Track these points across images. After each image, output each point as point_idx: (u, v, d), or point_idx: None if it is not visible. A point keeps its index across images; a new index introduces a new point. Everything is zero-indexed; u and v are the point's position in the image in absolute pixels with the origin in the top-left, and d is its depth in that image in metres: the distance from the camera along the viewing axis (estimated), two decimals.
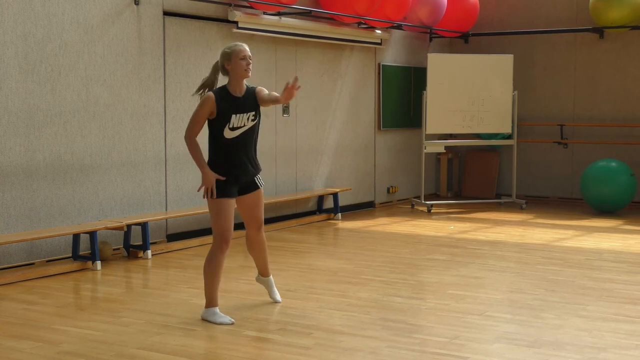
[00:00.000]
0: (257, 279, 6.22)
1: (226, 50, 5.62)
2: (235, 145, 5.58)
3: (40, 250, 7.50)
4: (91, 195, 7.92)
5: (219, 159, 5.59)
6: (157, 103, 8.55)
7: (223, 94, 5.57)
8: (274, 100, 5.62)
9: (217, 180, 5.55)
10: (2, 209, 7.17)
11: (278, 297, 6.15)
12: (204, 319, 5.62)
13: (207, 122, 5.61)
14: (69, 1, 7.62)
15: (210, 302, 5.64)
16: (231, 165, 5.59)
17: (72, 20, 7.67)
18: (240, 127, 5.57)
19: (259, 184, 5.78)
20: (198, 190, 5.59)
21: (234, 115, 5.54)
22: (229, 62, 5.58)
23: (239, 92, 5.61)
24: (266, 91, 5.72)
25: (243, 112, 5.58)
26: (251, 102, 5.63)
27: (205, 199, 5.59)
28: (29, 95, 7.33)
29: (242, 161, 5.62)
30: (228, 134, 5.55)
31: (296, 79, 5.45)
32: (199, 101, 5.63)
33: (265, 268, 6.10)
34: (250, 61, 5.60)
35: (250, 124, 5.61)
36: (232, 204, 5.62)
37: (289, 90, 5.45)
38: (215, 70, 5.71)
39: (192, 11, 8.91)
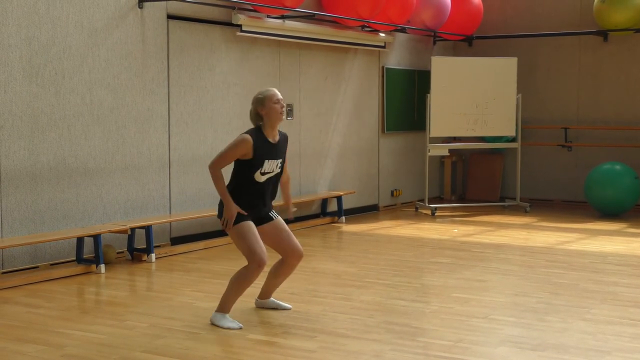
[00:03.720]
0: (258, 303, 6.11)
1: (258, 96, 5.65)
2: (260, 189, 5.63)
3: (44, 254, 7.50)
4: (95, 198, 7.93)
5: (241, 196, 5.59)
6: (161, 106, 8.55)
7: (260, 138, 5.58)
8: (281, 184, 5.88)
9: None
10: (6, 212, 7.18)
11: (287, 305, 6.11)
12: (213, 322, 5.62)
13: (237, 160, 5.60)
14: (73, 5, 7.63)
15: (224, 309, 5.64)
16: (251, 203, 5.62)
17: (76, 24, 7.68)
18: (269, 173, 5.63)
19: (273, 217, 5.81)
20: (222, 224, 5.56)
21: (266, 161, 5.59)
22: (263, 107, 5.60)
23: (273, 138, 5.66)
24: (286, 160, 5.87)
25: (275, 159, 5.64)
26: (282, 149, 5.71)
27: (224, 229, 5.58)
28: (33, 99, 7.34)
29: (261, 202, 5.68)
30: (259, 178, 5.59)
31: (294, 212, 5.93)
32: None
33: (274, 291, 6.08)
34: (284, 104, 5.65)
35: (277, 170, 5.68)
36: (253, 226, 5.62)
37: (287, 204, 5.90)
38: (252, 119, 5.71)
39: (196, 15, 8.92)
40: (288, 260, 5.85)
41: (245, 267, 5.60)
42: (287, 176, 5.97)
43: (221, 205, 5.61)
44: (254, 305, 6.10)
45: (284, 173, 5.86)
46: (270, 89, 5.70)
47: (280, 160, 5.68)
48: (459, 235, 9.74)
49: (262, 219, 5.75)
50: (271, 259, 5.74)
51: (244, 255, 5.61)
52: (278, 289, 6.16)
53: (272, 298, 6.10)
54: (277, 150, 5.66)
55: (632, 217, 11.24)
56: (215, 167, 5.55)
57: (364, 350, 5.04)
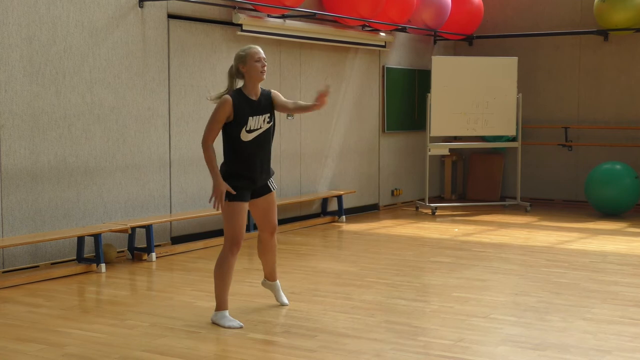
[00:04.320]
0: (264, 283, 6.20)
1: (240, 53, 5.62)
2: (251, 148, 5.57)
3: (44, 253, 7.51)
4: (96, 197, 7.94)
5: (235, 162, 5.57)
6: (162, 106, 8.56)
7: (239, 97, 5.55)
8: (303, 109, 5.70)
9: (233, 183, 5.53)
10: (7, 211, 7.18)
11: (285, 300, 6.14)
12: (214, 322, 5.62)
13: (224, 128, 5.57)
14: (73, 4, 7.64)
15: (221, 306, 5.64)
16: (246, 168, 5.58)
17: (77, 23, 7.68)
18: (257, 130, 5.57)
19: (272, 187, 5.79)
20: (210, 201, 5.55)
21: (250, 118, 5.54)
22: (244, 64, 5.57)
23: (255, 95, 5.62)
24: (282, 97, 5.76)
25: (259, 115, 5.59)
26: (266, 104, 5.65)
27: (214, 208, 5.54)
28: (33, 98, 7.34)
29: (257, 164, 5.61)
30: (245, 136, 5.54)
31: (327, 87, 5.49)
32: (214, 106, 5.61)
33: (273, 272, 6.10)
34: (265, 63, 5.61)
35: (266, 126, 5.62)
36: (245, 207, 5.61)
37: (321, 98, 5.49)
38: (231, 75, 5.69)
39: (197, 14, 8.92)
40: (261, 234, 5.88)
41: (221, 252, 5.63)
42: (299, 104, 5.79)
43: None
44: (257, 306, 6.10)
45: (296, 103, 5.75)
46: (253, 46, 5.66)
47: (267, 115, 5.61)
48: (459, 235, 9.74)
49: (260, 190, 5.70)
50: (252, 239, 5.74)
51: (224, 233, 5.63)
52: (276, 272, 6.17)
53: (277, 283, 6.14)
54: (260, 106, 5.60)
55: (633, 216, 11.24)
56: (205, 141, 5.52)
57: (365, 349, 5.04)
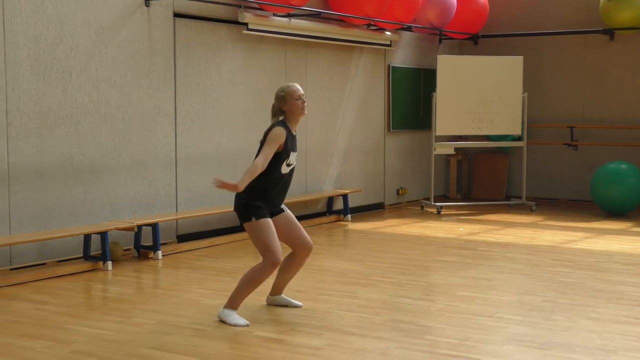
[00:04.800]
0: (270, 300, 6.15)
1: (280, 93, 5.71)
2: (285, 180, 5.71)
3: (51, 251, 7.53)
4: (102, 195, 7.96)
5: (267, 189, 5.62)
6: (168, 104, 8.58)
7: (288, 130, 5.65)
8: None
9: (255, 204, 5.57)
10: (14, 209, 7.21)
11: (298, 302, 6.13)
12: (220, 318, 5.64)
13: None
14: (80, 3, 7.66)
15: (233, 305, 5.67)
16: (275, 195, 5.69)
17: (84, 22, 7.70)
18: (292, 165, 5.72)
19: (283, 209, 5.86)
20: (218, 185, 5.41)
21: (292, 153, 5.67)
22: (285, 103, 5.68)
23: (295, 131, 5.76)
24: None
25: (296, 151, 5.75)
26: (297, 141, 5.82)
27: (249, 221, 5.57)
28: (40, 97, 7.37)
29: (281, 197, 5.77)
30: (284, 169, 5.65)
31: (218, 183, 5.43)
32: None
33: (285, 286, 6.11)
34: (305, 99, 5.72)
35: (295, 162, 5.77)
36: (272, 223, 5.66)
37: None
38: (274, 113, 5.75)
39: (202, 13, 8.94)
40: (297, 252, 5.89)
41: (259, 265, 5.63)
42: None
43: (243, 205, 5.60)
44: (264, 303, 6.12)
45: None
46: (291, 84, 5.76)
47: (296, 153, 5.78)
48: (464, 234, 9.75)
49: (273, 212, 5.78)
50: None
51: (259, 252, 5.64)
52: (286, 286, 6.18)
53: (283, 295, 6.12)
54: (296, 142, 5.77)
55: (638, 216, 11.23)
56: (259, 167, 5.47)
57: (370, 347, 5.06)
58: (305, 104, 5.72)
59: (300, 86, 5.80)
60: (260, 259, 5.67)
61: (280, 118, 5.72)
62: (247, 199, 5.59)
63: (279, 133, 5.57)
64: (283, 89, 5.72)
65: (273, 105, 5.77)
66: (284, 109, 5.69)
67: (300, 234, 5.86)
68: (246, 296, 5.69)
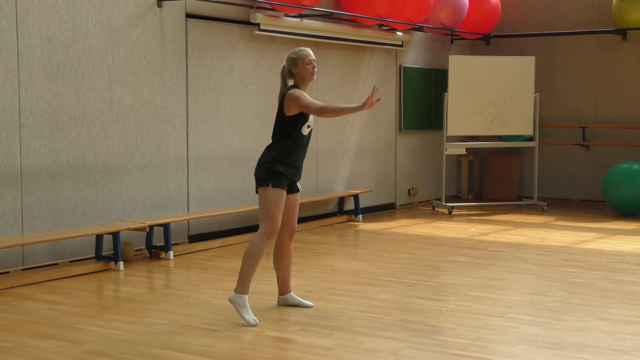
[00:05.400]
0: (280, 301, 6.14)
1: (292, 55, 5.79)
2: (304, 144, 5.79)
3: (64, 251, 7.57)
4: (114, 196, 7.99)
5: (289, 153, 5.70)
6: (180, 105, 8.60)
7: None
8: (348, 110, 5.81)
9: (277, 169, 5.64)
10: (26, 209, 7.25)
11: (309, 302, 6.12)
12: (232, 303, 5.64)
13: (284, 119, 5.69)
14: (92, 4, 7.69)
15: (243, 288, 5.66)
16: (297, 159, 5.77)
17: (96, 23, 7.74)
18: (311, 127, 5.79)
19: (299, 187, 5.91)
20: (270, 183, 5.64)
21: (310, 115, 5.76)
22: (295, 66, 5.75)
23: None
24: None
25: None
26: None
27: (267, 186, 5.63)
28: (53, 97, 7.40)
29: (301, 161, 5.84)
30: (305, 131, 5.73)
31: (375, 90, 5.53)
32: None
33: (288, 281, 6.08)
34: (316, 65, 5.79)
35: (313, 124, 5.85)
36: (284, 197, 5.72)
37: (370, 102, 5.55)
38: (283, 76, 5.84)
39: (214, 13, 8.96)
40: (280, 237, 5.90)
41: (256, 235, 5.67)
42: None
43: (260, 163, 5.70)
44: (275, 303, 6.12)
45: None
46: (304, 48, 5.82)
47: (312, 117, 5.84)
48: (476, 234, 9.74)
49: (291, 187, 5.82)
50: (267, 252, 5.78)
51: (259, 218, 5.68)
52: (296, 286, 6.18)
53: (292, 293, 6.12)
54: None
55: None
56: (318, 108, 5.61)
57: (381, 348, 5.06)
58: (316, 69, 5.77)
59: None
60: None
61: (290, 83, 5.78)
62: (270, 163, 5.67)
63: (300, 92, 5.65)
64: (295, 52, 5.79)
65: (283, 68, 5.82)
66: (294, 71, 5.75)
67: (290, 217, 5.90)
68: (252, 273, 5.67)
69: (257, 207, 5.81)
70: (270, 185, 5.64)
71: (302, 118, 5.69)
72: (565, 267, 7.69)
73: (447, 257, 8.23)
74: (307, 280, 6.94)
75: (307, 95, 5.68)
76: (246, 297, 5.66)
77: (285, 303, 6.11)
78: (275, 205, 5.65)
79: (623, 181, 11.14)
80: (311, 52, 5.80)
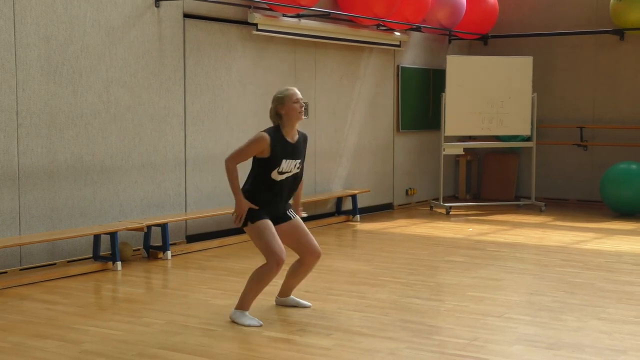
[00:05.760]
0: (278, 301, 6.15)
1: (278, 95, 5.69)
2: (278, 187, 5.65)
3: (61, 251, 7.56)
4: (112, 196, 7.98)
5: (259, 193, 5.62)
6: (178, 105, 8.60)
7: (278, 137, 5.60)
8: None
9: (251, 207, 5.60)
10: (24, 209, 7.24)
11: (307, 302, 6.13)
12: (233, 320, 5.64)
13: (254, 159, 5.64)
14: (90, 4, 7.69)
15: (243, 306, 5.67)
16: (268, 201, 5.65)
17: (94, 23, 7.73)
18: (287, 173, 5.64)
19: (291, 216, 5.81)
20: (233, 218, 5.63)
21: (284, 161, 5.60)
22: (283, 105, 5.63)
23: (292, 138, 5.67)
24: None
25: (292, 159, 5.65)
26: (301, 149, 5.72)
27: (239, 226, 5.63)
28: (51, 97, 7.40)
29: (279, 200, 5.71)
30: (276, 176, 5.61)
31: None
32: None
33: (294, 289, 6.10)
34: (303, 104, 5.69)
35: (296, 171, 5.69)
36: (270, 223, 5.63)
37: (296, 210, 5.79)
38: (273, 117, 5.74)
39: (212, 13, 8.96)
40: (306, 259, 5.86)
41: (263, 266, 5.61)
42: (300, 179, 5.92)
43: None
44: (274, 303, 6.13)
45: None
46: (290, 88, 5.74)
47: (299, 161, 5.68)
48: (473, 234, 9.74)
49: (279, 218, 5.75)
50: (290, 257, 5.76)
51: (262, 254, 5.64)
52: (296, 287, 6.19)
53: (292, 296, 6.12)
54: (296, 150, 5.67)
55: None
56: (230, 162, 5.58)
57: (380, 348, 5.06)
58: (303, 108, 5.68)
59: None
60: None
61: (279, 122, 5.68)
62: (248, 200, 5.60)
63: (259, 137, 5.57)
64: (282, 92, 5.69)
65: (270, 109, 5.74)
66: (281, 112, 5.64)
67: (308, 240, 5.81)
68: (255, 296, 5.69)
69: None
70: (249, 223, 5.59)
71: (271, 162, 5.57)
72: (563, 267, 7.70)
73: (445, 257, 8.23)
74: (305, 280, 6.90)
75: (252, 147, 5.54)
76: (246, 312, 5.66)
77: (283, 304, 6.12)
78: (265, 236, 5.56)
79: (621, 181, 11.14)
80: (298, 92, 5.69)
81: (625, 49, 12.21)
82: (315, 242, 5.87)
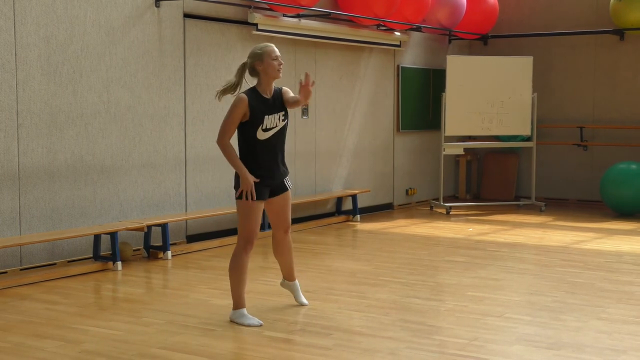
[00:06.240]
0: (283, 284, 6.18)
1: (257, 50, 5.60)
2: (267, 147, 5.58)
3: (61, 251, 7.56)
4: (112, 196, 7.99)
5: (251, 162, 5.57)
6: (178, 105, 8.60)
7: (255, 96, 5.55)
8: (295, 102, 5.63)
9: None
10: (24, 209, 7.24)
11: (304, 300, 6.13)
12: (232, 321, 5.64)
13: (239, 125, 5.57)
14: (90, 3, 7.69)
15: (238, 304, 5.66)
16: (263, 167, 5.59)
17: (94, 23, 7.73)
18: (273, 128, 5.57)
19: (287, 186, 5.79)
20: (237, 196, 5.55)
21: (266, 117, 5.54)
22: (261, 62, 5.56)
23: (269, 93, 5.61)
24: (291, 93, 5.74)
25: (274, 113, 5.59)
26: (280, 102, 5.64)
27: (240, 199, 5.54)
28: (51, 97, 7.40)
29: (273, 163, 5.63)
30: (261, 135, 5.54)
31: (307, 76, 5.45)
32: (229, 104, 5.62)
33: (291, 272, 6.08)
34: (282, 62, 5.61)
35: (281, 124, 5.62)
36: (261, 206, 5.62)
37: (305, 89, 5.48)
38: (242, 72, 5.67)
39: (212, 13, 8.96)
40: (275, 233, 5.87)
41: (235, 248, 5.63)
42: (292, 98, 5.70)
43: (237, 176, 5.58)
44: (274, 303, 6.12)
45: (292, 98, 5.67)
46: (269, 44, 5.64)
47: (281, 113, 5.62)
48: (473, 234, 9.74)
49: (277, 187, 5.71)
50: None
51: (238, 230, 5.62)
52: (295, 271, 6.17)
53: (296, 282, 6.12)
54: (274, 104, 5.60)
55: None
56: (221, 139, 5.53)
57: (379, 347, 5.06)
58: (282, 66, 5.59)
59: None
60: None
61: (254, 81, 5.59)
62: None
63: (237, 99, 5.48)
64: (260, 47, 5.59)
65: (244, 64, 5.64)
66: (259, 68, 5.56)
67: (284, 214, 5.80)
68: (242, 287, 5.63)
69: None
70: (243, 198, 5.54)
71: (253, 121, 5.50)
72: (563, 267, 7.70)
73: (445, 257, 8.24)
74: (305, 280, 6.93)
75: (234, 112, 5.48)
76: (243, 310, 5.66)
77: (287, 288, 6.14)
78: (247, 218, 5.53)
79: (621, 181, 11.15)
80: (276, 49, 5.61)
81: (626, 49, 12.21)
82: (288, 217, 5.84)
